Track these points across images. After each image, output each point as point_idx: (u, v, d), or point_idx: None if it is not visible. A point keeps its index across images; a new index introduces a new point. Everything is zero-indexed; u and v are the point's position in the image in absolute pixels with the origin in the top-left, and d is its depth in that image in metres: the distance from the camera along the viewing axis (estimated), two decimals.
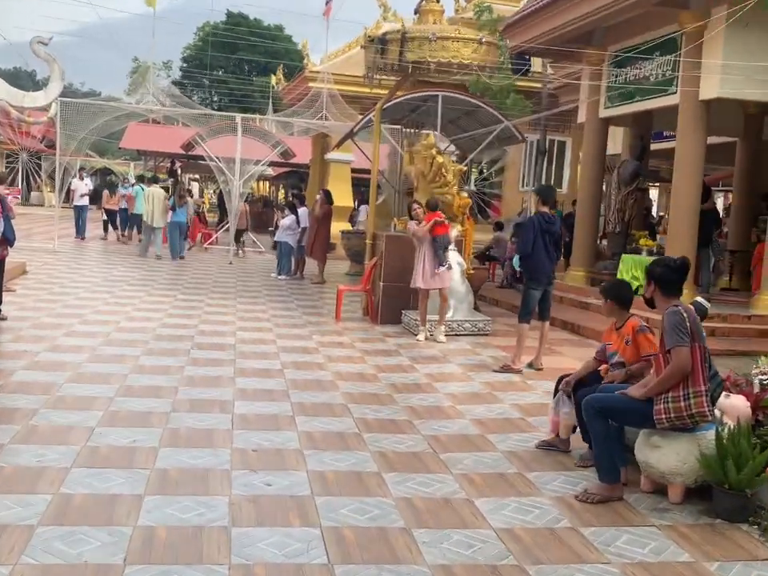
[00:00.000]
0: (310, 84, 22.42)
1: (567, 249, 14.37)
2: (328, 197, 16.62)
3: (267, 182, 46.75)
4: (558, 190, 23.99)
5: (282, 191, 48.65)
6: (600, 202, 14.30)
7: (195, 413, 6.21)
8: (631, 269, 12.74)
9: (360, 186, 31.33)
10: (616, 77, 13.28)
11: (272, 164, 28.20)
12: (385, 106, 12.36)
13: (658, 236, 15.74)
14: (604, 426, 4.88)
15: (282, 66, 30.41)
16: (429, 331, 9.95)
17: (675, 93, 11.76)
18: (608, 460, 4.87)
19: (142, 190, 20.73)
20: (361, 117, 16.92)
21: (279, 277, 16.46)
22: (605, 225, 14.37)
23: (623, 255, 13.06)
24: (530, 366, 8.54)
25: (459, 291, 10.59)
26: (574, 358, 9.33)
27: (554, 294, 10.05)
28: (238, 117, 19.64)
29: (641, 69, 12.71)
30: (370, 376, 7.90)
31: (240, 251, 21.17)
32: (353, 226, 21.49)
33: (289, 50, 56.99)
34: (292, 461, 5.24)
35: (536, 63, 19.71)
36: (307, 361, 8.43)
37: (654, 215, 24.37)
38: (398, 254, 11.00)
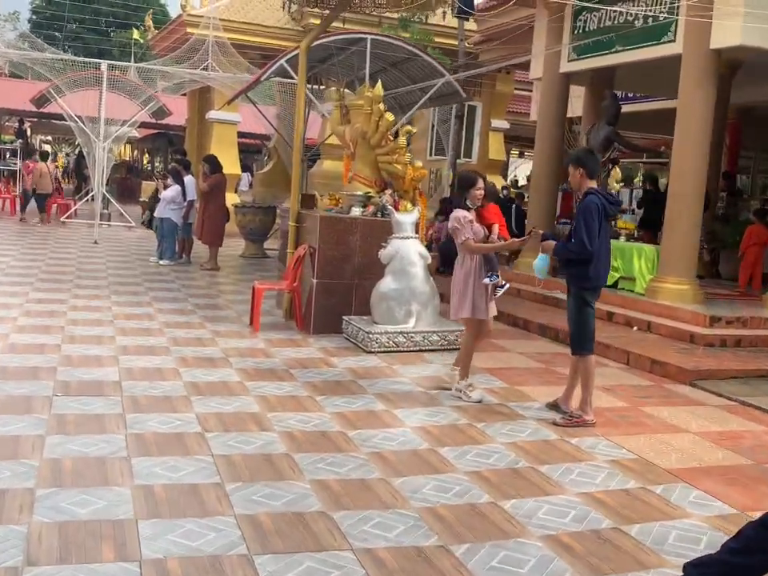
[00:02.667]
0: (189, 30, 18.99)
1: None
2: (215, 164, 13.61)
3: (130, 146, 42.14)
4: (467, 160, 21.84)
5: (147, 156, 44.29)
6: (560, 177, 11.94)
7: (68, 564, 3.35)
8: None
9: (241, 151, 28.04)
10: (585, 21, 10.91)
11: (141, 125, 24.52)
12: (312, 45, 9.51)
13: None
14: None
15: (150, 12, 26.53)
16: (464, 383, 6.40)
17: (674, 41, 9.51)
18: None
19: None
20: (263, 67, 13.93)
21: (161, 262, 13.35)
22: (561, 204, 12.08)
23: None
24: (553, 406, 6.08)
25: (423, 292, 7.94)
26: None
27: (511, 287, 7.51)
28: (104, 64, 16.13)
29: (621, 9, 10.35)
30: (338, 437, 5.20)
31: (41, 221, 19.18)
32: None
33: (150, 3, 52.46)
34: None
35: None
36: (236, 410, 5.62)
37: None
38: (336, 240, 8.28)
